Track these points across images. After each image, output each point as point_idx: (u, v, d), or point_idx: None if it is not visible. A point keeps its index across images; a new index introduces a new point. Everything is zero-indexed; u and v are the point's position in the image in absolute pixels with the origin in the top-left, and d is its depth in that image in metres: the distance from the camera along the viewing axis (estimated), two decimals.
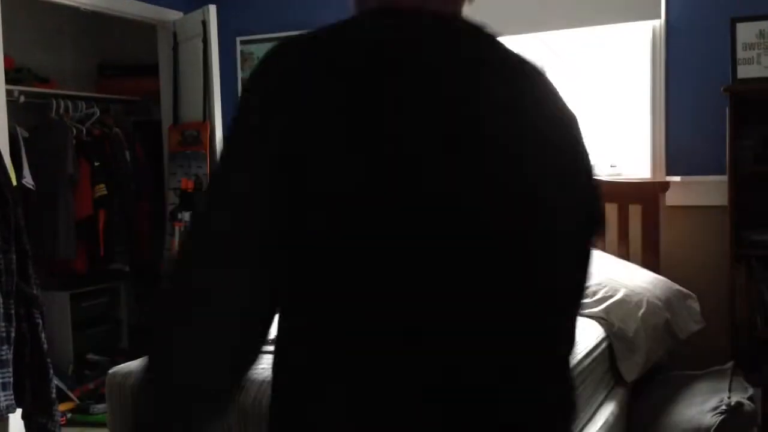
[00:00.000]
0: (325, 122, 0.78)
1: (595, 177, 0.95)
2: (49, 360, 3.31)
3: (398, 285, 0.80)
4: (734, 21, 3.41)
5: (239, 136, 0.83)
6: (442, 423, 0.83)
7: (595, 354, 2.88)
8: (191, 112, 4.38)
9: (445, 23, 0.90)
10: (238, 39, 4.86)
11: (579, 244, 0.94)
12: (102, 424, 3.69)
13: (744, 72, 3.39)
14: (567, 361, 0.95)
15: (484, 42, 0.91)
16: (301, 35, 0.85)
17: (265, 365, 0.87)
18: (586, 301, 3.23)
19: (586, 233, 0.95)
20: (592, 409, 2.78)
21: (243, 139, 0.82)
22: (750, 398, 2.91)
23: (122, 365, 2.68)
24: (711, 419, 2.80)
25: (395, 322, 0.81)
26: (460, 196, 0.81)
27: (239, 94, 0.85)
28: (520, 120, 0.87)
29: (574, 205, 0.91)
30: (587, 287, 0.99)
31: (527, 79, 0.92)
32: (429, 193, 0.79)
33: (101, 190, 4.54)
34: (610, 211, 3.79)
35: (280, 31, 4.74)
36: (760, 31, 3.38)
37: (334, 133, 0.78)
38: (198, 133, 4.24)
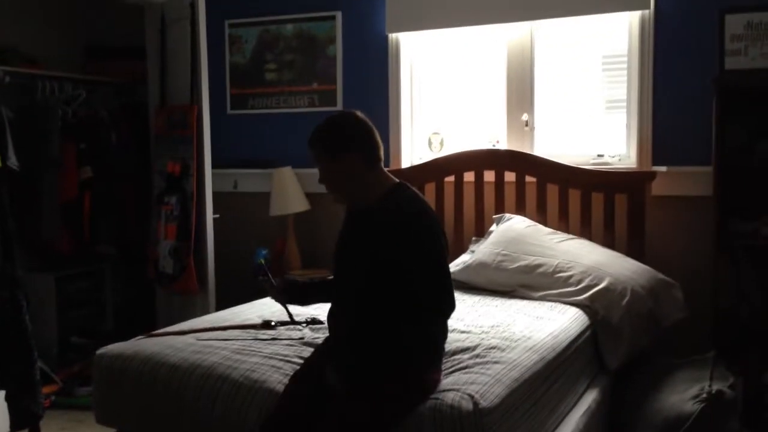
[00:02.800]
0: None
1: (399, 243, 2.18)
2: (33, 342, 3.30)
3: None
4: (723, 12, 3.42)
5: None
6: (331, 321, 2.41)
7: (579, 342, 2.91)
8: (178, 94, 4.35)
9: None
10: (227, 22, 4.83)
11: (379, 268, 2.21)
12: (86, 407, 3.69)
13: (731, 63, 3.40)
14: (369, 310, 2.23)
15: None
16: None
17: None
18: (571, 289, 3.27)
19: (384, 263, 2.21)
20: (576, 396, 2.81)
21: None
22: (731, 386, 2.94)
23: (111, 346, 2.66)
24: (692, 407, 2.83)
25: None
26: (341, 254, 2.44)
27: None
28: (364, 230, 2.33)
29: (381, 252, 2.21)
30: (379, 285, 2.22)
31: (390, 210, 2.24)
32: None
33: (87, 172, 4.50)
34: (597, 199, 3.81)
35: (268, 15, 4.72)
36: (749, 22, 3.39)
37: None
38: (185, 116, 4.21)
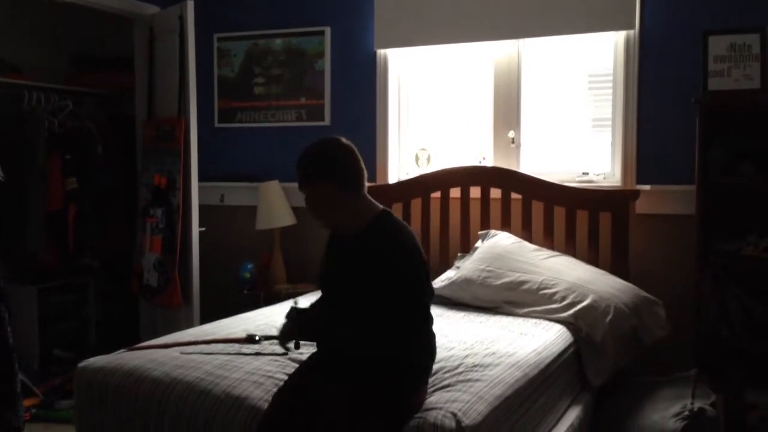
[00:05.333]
0: None
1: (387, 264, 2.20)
2: (14, 354, 3.27)
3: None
4: (706, 34, 3.47)
5: None
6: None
7: (562, 359, 2.92)
8: (166, 107, 4.35)
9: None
10: (216, 36, 4.84)
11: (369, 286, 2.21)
12: (67, 420, 3.66)
13: (715, 84, 3.44)
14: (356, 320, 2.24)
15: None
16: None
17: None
18: (555, 305, 3.28)
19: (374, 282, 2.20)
20: (559, 413, 2.81)
21: None
22: (713, 405, 2.96)
23: (93, 359, 2.64)
24: (674, 425, 2.85)
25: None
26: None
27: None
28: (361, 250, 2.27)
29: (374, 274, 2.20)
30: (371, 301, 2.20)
31: (377, 235, 2.27)
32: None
33: (72, 183, 4.48)
34: (581, 217, 3.84)
35: (257, 29, 4.74)
36: (732, 44, 3.44)
37: None
38: (172, 128, 4.22)
